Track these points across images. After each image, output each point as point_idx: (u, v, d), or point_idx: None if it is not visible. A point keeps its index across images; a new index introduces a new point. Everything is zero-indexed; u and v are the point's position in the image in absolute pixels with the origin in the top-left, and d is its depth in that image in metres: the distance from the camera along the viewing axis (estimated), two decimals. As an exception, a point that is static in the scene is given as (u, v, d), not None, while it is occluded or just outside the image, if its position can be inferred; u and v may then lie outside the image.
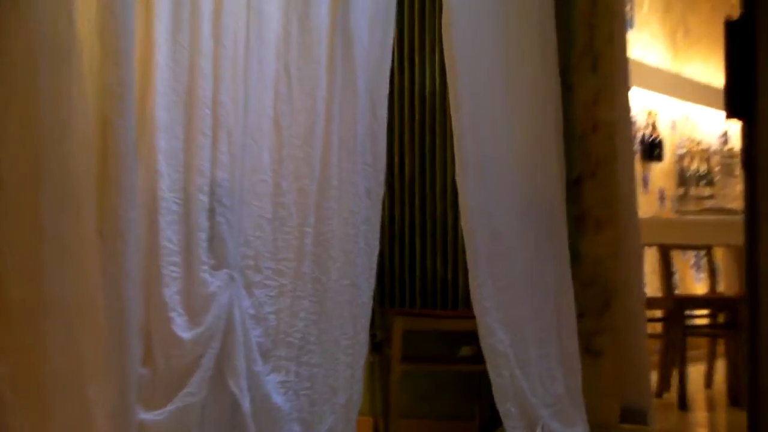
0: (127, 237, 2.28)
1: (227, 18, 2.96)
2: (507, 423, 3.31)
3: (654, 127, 6.67)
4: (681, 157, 6.87)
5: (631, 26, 6.41)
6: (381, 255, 3.78)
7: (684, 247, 5.34)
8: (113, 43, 2.22)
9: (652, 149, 6.64)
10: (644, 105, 6.61)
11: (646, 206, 6.45)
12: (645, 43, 6.62)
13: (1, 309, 1.99)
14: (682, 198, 6.83)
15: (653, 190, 6.73)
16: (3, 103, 1.98)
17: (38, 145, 2.01)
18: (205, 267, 2.92)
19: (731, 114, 0.66)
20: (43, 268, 2.02)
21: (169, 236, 2.88)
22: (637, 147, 6.51)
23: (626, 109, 4.28)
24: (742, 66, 0.65)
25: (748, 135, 0.65)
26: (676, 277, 6.21)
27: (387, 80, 3.23)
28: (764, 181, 0.64)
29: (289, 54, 3.08)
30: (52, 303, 2.03)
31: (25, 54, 1.99)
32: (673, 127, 6.99)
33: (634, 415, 4.11)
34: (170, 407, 2.83)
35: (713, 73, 7.25)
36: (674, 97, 6.91)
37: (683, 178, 6.92)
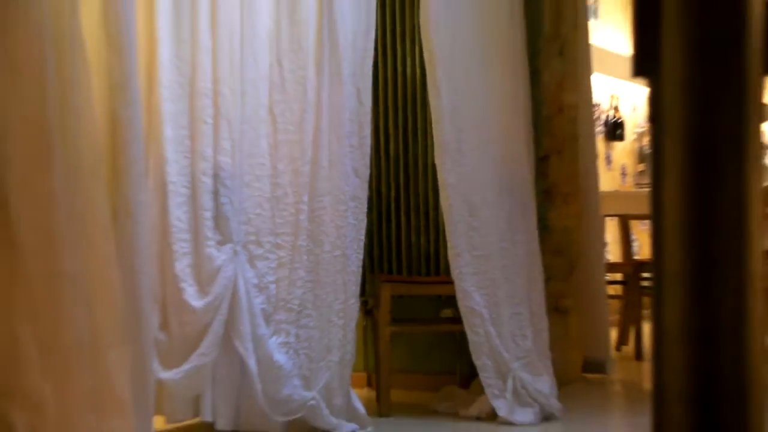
0: (138, 218, 2.28)
1: (223, 13, 2.94)
2: (482, 374, 3.33)
3: (617, 109, 6.65)
4: (640, 136, 6.86)
5: (596, 16, 6.38)
6: (370, 229, 3.79)
7: (642, 218, 5.35)
8: (116, 36, 2.20)
9: (615, 130, 6.63)
10: (608, 90, 6.59)
11: (609, 181, 6.45)
12: (609, 32, 6.60)
13: (22, 280, 1.99)
14: (642, 173, 6.84)
15: (616, 167, 6.73)
16: (11, 94, 1.96)
17: (47, 133, 1.99)
18: (212, 243, 2.93)
19: (637, 72, 0.67)
20: (58, 245, 2.02)
21: (178, 216, 2.90)
22: (601, 128, 6.50)
23: (589, 92, 4.26)
24: (646, 26, 0.65)
25: (653, 91, 0.66)
26: (636, 245, 6.22)
27: (370, 69, 3.21)
28: (669, 132, 0.64)
29: (280, 46, 3.06)
30: (69, 277, 2.03)
31: (31, 48, 1.98)
32: (634, 109, 6.98)
33: (596, 365, 4.15)
34: (185, 367, 2.86)
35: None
36: (635, 82, 6.89)
37: (642, 156, 6.91)
